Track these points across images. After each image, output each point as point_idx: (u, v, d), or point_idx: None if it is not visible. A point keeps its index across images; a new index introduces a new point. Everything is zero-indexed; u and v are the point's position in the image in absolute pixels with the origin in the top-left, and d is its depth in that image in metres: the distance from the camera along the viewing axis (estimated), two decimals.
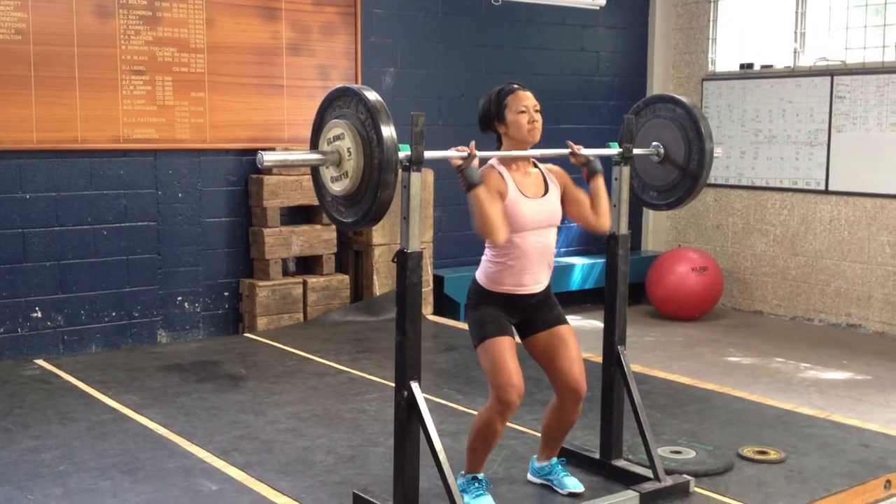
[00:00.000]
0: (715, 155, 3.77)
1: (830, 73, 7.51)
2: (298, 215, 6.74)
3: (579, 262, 8.05)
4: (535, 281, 3.42)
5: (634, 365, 4.37)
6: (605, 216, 3.47)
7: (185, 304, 6.38)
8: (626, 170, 3.78)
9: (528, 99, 3.43)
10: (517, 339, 3.44)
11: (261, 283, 6.42)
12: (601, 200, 3.46)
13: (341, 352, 5.93)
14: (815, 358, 6.60)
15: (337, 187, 2.97)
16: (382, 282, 6.85)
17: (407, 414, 3.21)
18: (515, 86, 3.46)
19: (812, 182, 7.69)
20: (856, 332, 7.43)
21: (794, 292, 7.89)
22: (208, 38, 6.30)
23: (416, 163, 3.10)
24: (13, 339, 5.79)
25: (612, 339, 3.82)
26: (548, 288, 3.50)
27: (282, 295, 6.50)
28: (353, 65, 6.90)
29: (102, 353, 6.01)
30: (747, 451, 4.09)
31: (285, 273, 6.65)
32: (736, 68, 8.23)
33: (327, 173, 3.01)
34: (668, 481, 3.62)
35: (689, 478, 3.69)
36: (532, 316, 3.45)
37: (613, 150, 3.64)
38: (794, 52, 7.82)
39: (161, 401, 4.90)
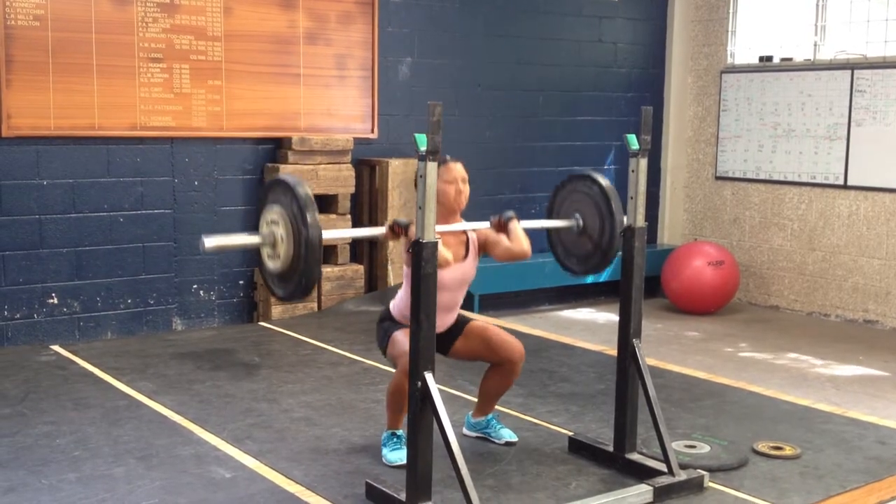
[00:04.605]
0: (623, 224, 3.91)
1: (851, 66, 7.45)
2: None
3: None
4: (443, 324, 3.86)
5: (649, 358, 4.36)
6: (518, 242, 3.77)
7: (201, 292, 6.40)
8: (643, 162, 3.77)
9: (456, 171, 3.81)
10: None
11: None
12: (516, 232, 3.78)
13: (355, 341, 5.94)
14: (831, 354, 6.56)
15: (271, 265, 3.19)
16: (397, 272, 6.84)
17: (420, 405, 3.21)
18: (448, 157, 3.82)
19: (831, 176, 7.63)
20: (873, 329, 7.38)
21: (811, 287, 7.84)
22: (226, 27, 6.29)
23: (432, 152, 3.11)
24: (29, 324, 5.82)
25: (627, 332, 3.80)
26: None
27: None
28: (370, 54, 6.88)
29: (118, 339, 6.04)
30: (762, 447, 4.07)
31: None
32: (755, 61, 8.17)
33: (265, 251, 3.23)
34: (682, 475, 3.61)
35: (703, 472, 3.68)
36: (441, 339, 3.84)
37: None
38: (814, 45, 7.76)
39: (175, 388, 4.91)
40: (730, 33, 8.36)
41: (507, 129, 7.77)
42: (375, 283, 6.95)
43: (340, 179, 6.67)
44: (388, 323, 3.89)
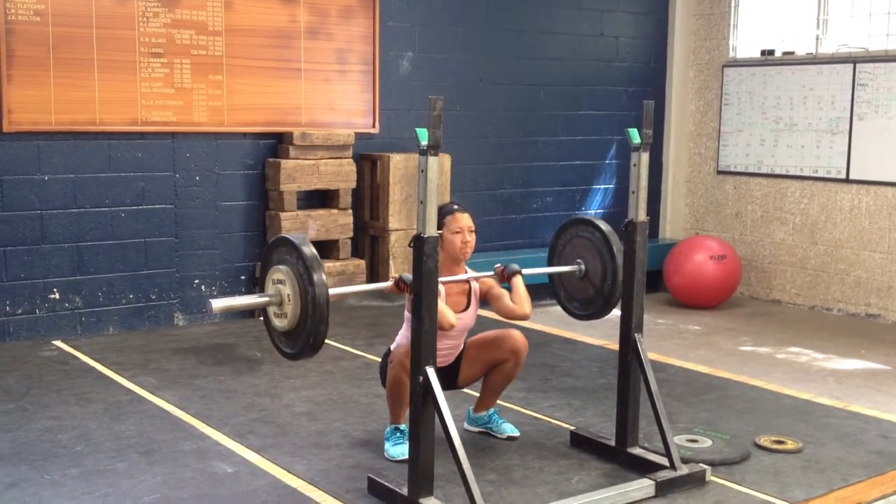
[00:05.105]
0: None
1: (853, 60, 7.43)
2: (315, 199, 6.74)
3: None
4: (446, 362, 3.90)
5: (651, 353, 4.35)
6: (521, 303, 3.83)
7: (202, 287, 6.40)
8: (644, 156, 3.77)
9: (463, 220, 3.82)
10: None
11: None
12: (519, 290, 3.83)
13: (357, 336, 5.94)
14: (833, 348, 6.56)
15: (278, 323, 3.21)
16: (399, 267, 6.84)
17: (422, 399, 3.21)
18: (455, 207, 3.86)
19: (833, 170, 7.62)
20: (875, 323, 7.38)
21: (813, 282, 7.83)
22: (226, 21, 6.29)
23: (433, 147, 3.11)
24: (31, 320, 5.82)
25: (628, 327, 3.80)
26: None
27: None
28: (371, 49, 6.87)
29: (120, 334, 6.04)
30: (764, 441, 4.07)
31: None
32: (757, 55, 8.16)
33: (271, 310, 3.24)
34: (683, 470, 3.61)
35: (705, 466, 3.68)
36: (447, 373, 3.88)
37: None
38: (816, 38, 7.74)
39: (177, 383, 4.92)
40: (731, 27, 8.34)
41: (509, 124, 7.76)
42: (377, 278, 6.95)
43: (342, 174, 6.67)
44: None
